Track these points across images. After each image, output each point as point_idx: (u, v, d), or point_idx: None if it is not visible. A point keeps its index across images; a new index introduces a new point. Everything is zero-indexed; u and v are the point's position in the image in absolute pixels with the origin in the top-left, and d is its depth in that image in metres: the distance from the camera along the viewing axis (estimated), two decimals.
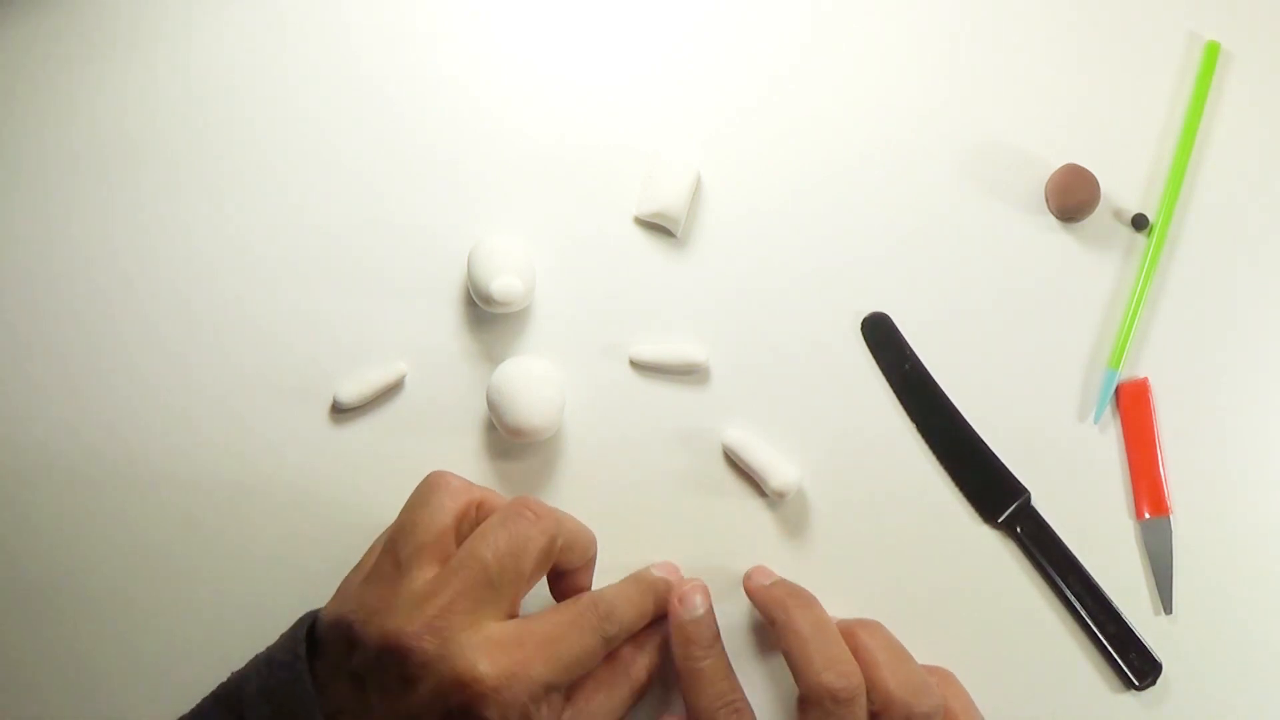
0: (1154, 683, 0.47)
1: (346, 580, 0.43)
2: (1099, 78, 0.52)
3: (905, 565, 0.48)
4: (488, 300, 0.47)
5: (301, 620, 0.43)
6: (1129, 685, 0.48)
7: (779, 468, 0.47)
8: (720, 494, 0.49)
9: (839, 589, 0.48)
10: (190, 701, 0.43)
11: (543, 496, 0.49)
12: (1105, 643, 0.48)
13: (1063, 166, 0.50)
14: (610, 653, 0.44)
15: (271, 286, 0.50)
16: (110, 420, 0.49)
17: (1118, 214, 0.51)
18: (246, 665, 0.42)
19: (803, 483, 0.49)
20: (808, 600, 0.45)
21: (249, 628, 0.46)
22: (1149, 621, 0.48)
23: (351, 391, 0.48)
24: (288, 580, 0.47)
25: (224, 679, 0.43)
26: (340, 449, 0.49)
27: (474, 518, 0.43)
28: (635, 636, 0.45)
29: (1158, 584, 0.49)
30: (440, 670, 0.38)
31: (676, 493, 0.49)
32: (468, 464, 0.49)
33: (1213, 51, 0.52)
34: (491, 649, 0.39)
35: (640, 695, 0.45)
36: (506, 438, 0.47)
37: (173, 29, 0.52)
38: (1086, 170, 0.50)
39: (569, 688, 0.42)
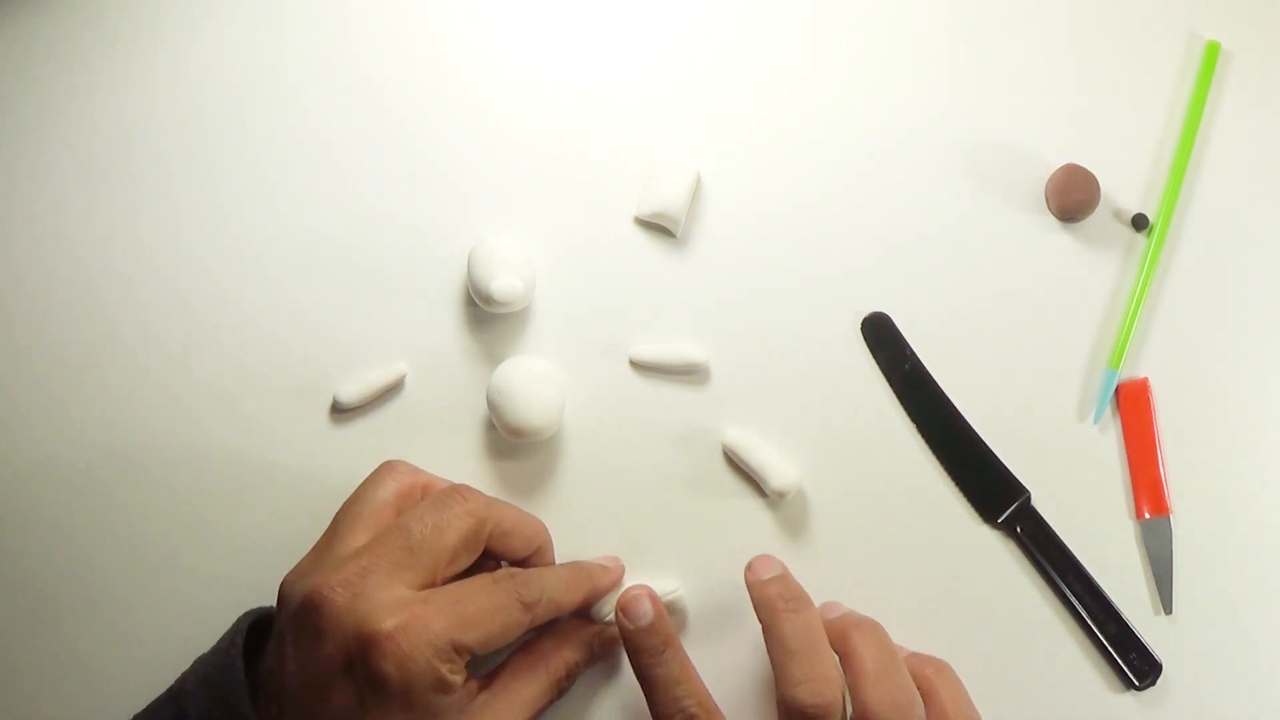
0: (1154, 683, 0.47)
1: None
2: (1099, 78, 0.52)
3: (905, 565, 0.48)
4: (488, 300, 0.47)
5: (246, 614, 0.44)
6: (1129, 685, 0.48)
7: (779, 468, 0.47)
8: (720, 494, 0.49)
9: (839, 589, 0.48)
10: None
11: (543, 496, 0.49)
12: (1105, 643, 0.48)
13: (1063, 166, 0.50)
14: (532, 645, 0.44)
15: (271, 286, 0.50)
16: (110, 420, 0.49)
17: (1118, 214, 0.51)
18: (191, 665, 0.43)
19: (803, 483, 0.49)
20: (798, 604, 0.43)
21: None
22: (1149, 621, 0.48)
23: (351, 391, 0.48)
24: None
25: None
26: (340, 449, 0.49)
27: (417, 499, 0.45)
28: (562, 632, 0.45)
29: (1158, 584, 0.49)
30: (345, 622, 0.39)
31: (676, 493, 0.49)
32: (468, 464, 0.49)
33: (1213, 51, 0.52)
34: (396, 605, 0.39)
35: (560, 691, 0.44)
36: (506, 438, 0.47)
37: (172, 29, 0.52)
38: (1086, 170, 0.50)
39: (488, 677, 0.43)
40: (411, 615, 0.39)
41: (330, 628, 0.39)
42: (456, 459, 0.49)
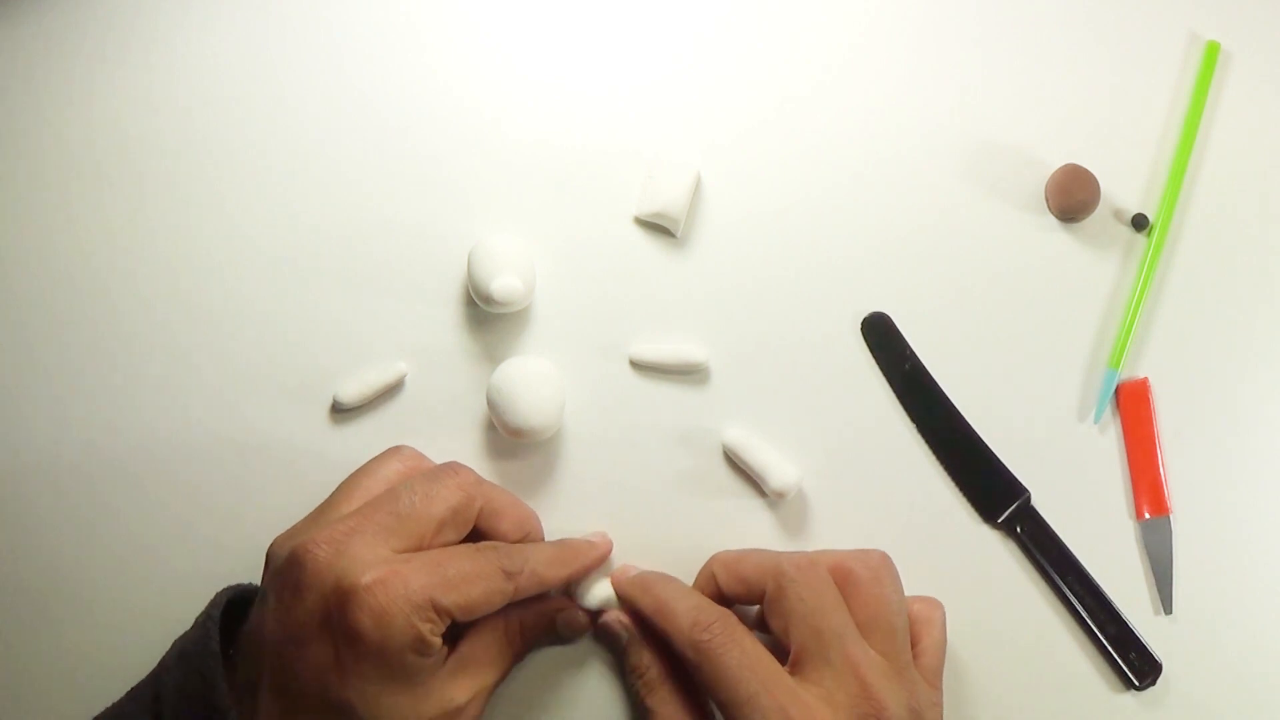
0: (1154, 683, 0.47)
1: None
2: (1099, 78, 0.52)
3: (905, 565, 0.48)
4: (488, 300, 0.47)
5: (224, 590, 0.44)
6: (1129, 685, 0.48)
7: (779, 468, 0.47)
8: (720, 494, 0.49)
9: None
10: None
11: (543, 496, 0.49)
12: (1105, 643, 0.48)
13: (1063, 166, 0.50)
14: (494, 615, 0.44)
15: (272, 286, 0.50)
16: (110, 420, 0.49)
17: (1118, 214, 0.51)
18: (176, 639, 0.43)
19: (803, 483, 0.49)
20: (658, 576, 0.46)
21: None
22: (1149, 621, 0.48)
23: (351, 391, 0.49)
24: None
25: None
26: (340, 449, 0.49)
27: None
28: (526, 602, 0.44)
29: (1158, 584, 0.49)
30: (326, 577, 0.39)
31: (676, 493, 0.49)
32: (467, 464, 0.48)
33: (1213, 51, 0.52)
34: (376, 562, 0.39)
35: (518, 655, 0.44)
36: (506, 438, 0.47)
37: (171, 30, 0.52)
38: (1086, 170, 0.50)
39: (459, 636, 0.43)
40: (390, 571, 0.39)
41: (311, 582, 0.39)
42: (456, 459, 0.48)
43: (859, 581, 0.42)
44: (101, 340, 0.50)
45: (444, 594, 0.39)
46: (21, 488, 0.49)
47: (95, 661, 0.47)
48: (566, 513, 0.48)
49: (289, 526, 0.44)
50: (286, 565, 0.40)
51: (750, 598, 0.44)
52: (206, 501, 0.48)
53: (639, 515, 0.49)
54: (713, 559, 0.46)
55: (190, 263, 0.50)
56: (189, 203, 0.51)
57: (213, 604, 0.43)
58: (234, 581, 0.47)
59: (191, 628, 0.43)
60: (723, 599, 0.45)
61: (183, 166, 0.51)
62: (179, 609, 0.47)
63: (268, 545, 0.47)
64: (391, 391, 0.49)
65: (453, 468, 0.44)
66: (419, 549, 0.41)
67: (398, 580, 0.39)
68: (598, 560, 0.46)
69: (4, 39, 0.52)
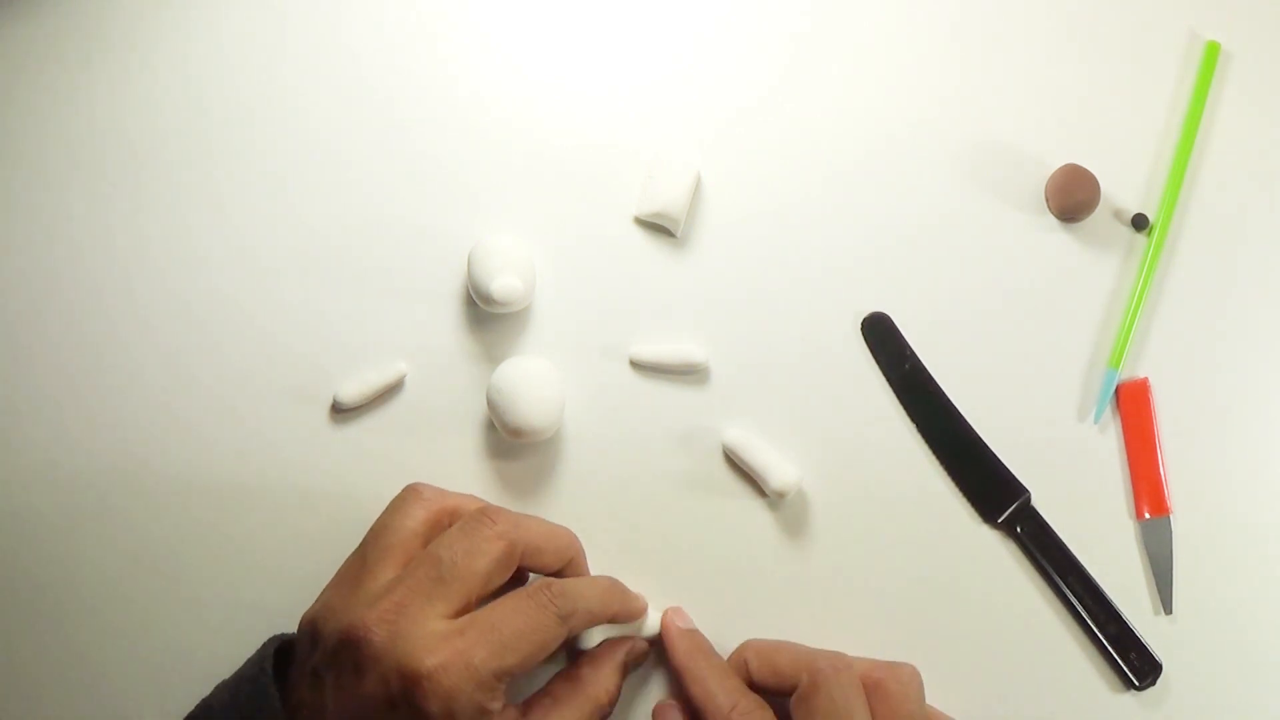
0: (1154, 683, 0.47)
1: (325, 588, 0.44)
2: (1099, 78, 0.52)
3: (905, 565, 0.48)
4: (488, 300, 0.47)
5: (270, 640, 0.44)
6: (1129, 685, 0.48)
7: (779, 468, 0.47)
8: (720, 494, 0.49)
9: (839, 589, 0.48)
10: (190, 702, 0.43)
11: (543, 496, 0.49)
12: (1105, 643, 0.48)
13: (1063, 166, 0.50)
14: (571, 672, 0.44)
15: (272, 287, 0.50)
16: (110, 421, 0.49)
17: (1118, 214, 0.51)
18: (215, 689, 0.43)
19: (803, 483, 0.49)
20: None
21: (249, 627, 0.46)
22: (1149, 621, 0.48)
23: (351, 391, 0.48)
24: (288, 580, 0.47)
25: (223, 678, 0.43)
26: (340, 449, 0.49)
27: (445, 525, 0.44)
28: (597, 658, 0.45)
29: (1158, 584, 0.49)
30: (387, 660, 0.39)
31: (676, 493, 0.49)
32: (468, 464, 0.49)
33: (1213, 51, 0.52)
34: (435, 640, 0.39)
35: (602, 716, 0.44)
36: (506, 438, 0.47)
37: (172, 30, 0.52)
38: (1086, 170, 0.50)
39: (528, 703, 0.43)
40: (453, 652, 0.39)
41: (371, 665, 0.39)
42: (456, 459, 0.49)
43: (889, 695, 0.43)
44: (100, 340, 0.50)
45: (503, 659, 0.40)
46: (19, 489, 0.49)
47: (95, 663, 0.47)
48: (566, 513, 0.48)
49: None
50: (341, 646, 0.40)
51: (779, 689, 0.44)
52: (207, 502, 0.48)
53: (639, 515, 0.49)
54: (745, 645, 0.46)
55: (190, 263, 0.50)
56: (188, 203, 0.51)
57: (263, 656, 0.43)
58: (233, 580, 0.47)
59: (238, 679, 0.43)
60: (750, 685, 0.45)
61: (182, 167, 0.51)
62: (179, 608, 0.48)
63: (267, 544, 0.48)
64: (391, 391, 0.49)
65: (488, 515, 0.43)
66: (467, 606, 0.41)
67: (460, 661, 0.39)
68: (639, 612, 0.46)
69: (4, 39, 0.52)
